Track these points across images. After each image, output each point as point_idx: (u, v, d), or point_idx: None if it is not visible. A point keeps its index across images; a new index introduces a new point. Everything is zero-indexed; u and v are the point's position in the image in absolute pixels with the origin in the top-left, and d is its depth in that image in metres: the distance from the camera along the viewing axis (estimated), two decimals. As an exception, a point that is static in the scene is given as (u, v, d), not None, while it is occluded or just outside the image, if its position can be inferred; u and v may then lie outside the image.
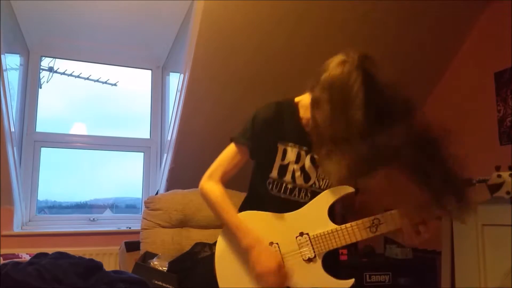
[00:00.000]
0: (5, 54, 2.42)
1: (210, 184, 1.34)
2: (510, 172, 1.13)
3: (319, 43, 2.44)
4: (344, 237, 1.23)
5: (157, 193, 2.91)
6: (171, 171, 2.89)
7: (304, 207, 1.29)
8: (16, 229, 2.79)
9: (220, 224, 2.52)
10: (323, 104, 1.14)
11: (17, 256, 2.40)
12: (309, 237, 1.25)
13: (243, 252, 1.27)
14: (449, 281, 2.51)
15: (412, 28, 2.55)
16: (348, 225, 1.23)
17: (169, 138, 2.97)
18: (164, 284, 1.94)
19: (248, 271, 1.25)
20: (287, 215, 1.29)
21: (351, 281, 1.23)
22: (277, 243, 1.27)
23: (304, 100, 1.34)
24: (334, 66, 1.16)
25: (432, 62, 2.80)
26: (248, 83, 2.57)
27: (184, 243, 2.38)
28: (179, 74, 2.83)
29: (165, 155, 3.11)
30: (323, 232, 1.25)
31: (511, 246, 2.09)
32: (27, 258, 2.09)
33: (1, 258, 2.34)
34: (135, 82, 3.47)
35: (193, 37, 2.33)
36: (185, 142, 2.74)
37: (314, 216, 1.27)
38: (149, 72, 3.45)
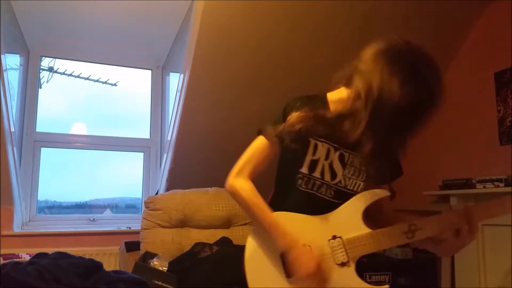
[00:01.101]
0: (5, 54, 2.42)
1: (240, 181, 1.27)
2: None
3: (319, 43, 2.45)
4: (379, 242, 1.19)
5: (157, 193, 2.91)
6: (171, 171, 2.89)
7: (338, 209, 1.24)
8: (16, 229, 2.79)
9: (219, 224, 2.52)
10: (365, 107, 1.13)
11: (17, 256, 2.40)
12: (342, 241, 1.21)
13: (274, 253, 1.22)
14: (449, 281, 2.52)
15: (412, 28, 2.55)
16: (383, 230, 1.20)
17: (169, 138, 2.97)
18: (164, 284, 1.94)
19: (280, 272, 1.21)
20: (320, 217, 1.24)
21: (386, 287, 1.22)
22: (309, 246, 1.21)
23: (334, 95, 1.31)
24: (373, 65, 1.17)
25: (432, 62, 2.80)
26: (248, 83, 2.57)
27: (184, 243, 2.37)
28: (179, 74, 2.83)
29: (165, 155, 3.11)
30: (357, 236, 1.21)
31: (511, 246, 2.09)
32: (27, 258, 2.09)
33: (1, 258, 2.34)
34: (135, 82, 3.47)
35: (193, 37, 2.33)
36: (185, 142, 2.74)
37: (347, 219, 1.23)
38: (149, 72, 3.45)
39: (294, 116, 1.26)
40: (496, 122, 2.45)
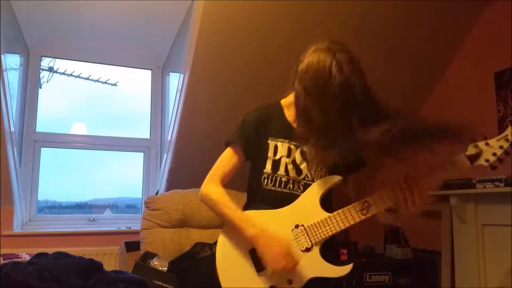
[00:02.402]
0: (5, 54, 2.42)
1: (210, 186, 1.39)
2: (485, 142, 1.20)
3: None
4: (337, 223, 1.28)
5: (157, 193, 2.91)
6: (171, 171, 2.89)
7: (297, 200, 1.34)
8: (16, 229, 2.79)
9: (220, 224, 2.52)
10: (303, 93, 1.21)
11: (17, 256, 2.40)
12: (305, 228, 1.30)
13: (244, 250, 1.30)
14: (449, 281, 2.52)
15: (412, 28, 2.55)
16: (340, 211, 1.29)
17: (169, 138, 2.97)
18: (164, 284, 1.94)
19: (250, 268, 1.28)
20: (281, 210, 1.33)
21: (350, 266, 1.27)
22: None
23: (287, 99, 1.43)
24: (308, 56, 1.24)
25: (432, 62, 2.80)
26: (248, 83, 2.57)
27: (184, 243, 2.38)
28: (179, 74, 2.83)
29: (165, 155, 3.11)
30: (317, 222, 1.29)
31: (511, 246, 2.09)
32: (27, 258, 2.09)
33: (1, 258, 2.34)
34: (135, 82, 3.47)
35: (193, 37, 2.33)
36: (185, 142, 2.74)
37: (307, 208, 1.32)
38: (149, 72, 3.45)
39: (251, 123, 1.40)
40: (496, 122, 2.45)
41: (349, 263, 1.27)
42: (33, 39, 3.00)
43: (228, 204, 1.34)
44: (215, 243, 2.37)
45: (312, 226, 1.29)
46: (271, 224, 1.29)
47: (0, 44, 2.27)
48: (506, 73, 2.42)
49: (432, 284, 2.65)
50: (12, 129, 2.64)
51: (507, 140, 1.18)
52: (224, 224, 1.38)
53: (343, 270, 1.26)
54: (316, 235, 1.28)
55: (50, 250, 1.73)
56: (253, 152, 1.40)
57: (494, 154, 1.19)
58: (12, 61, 2.74)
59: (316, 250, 1.28)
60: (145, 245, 2.36)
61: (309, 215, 1.30)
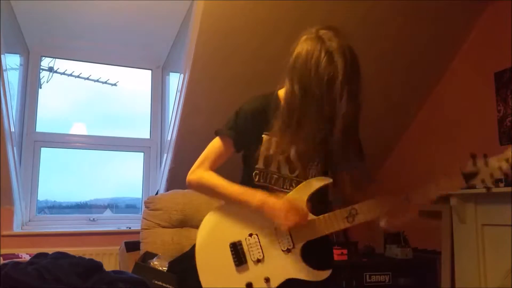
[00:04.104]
0: (5, 54, 2.42)
1: (199, 171, 1.34)
2: (485, 160, 1.10)
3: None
4: (322, 227, 1.23)
5: (157, 193, 2.91)
6: (171, 171, 2.89)
7: (283, 199, 1.28)
8: (16, 229, 2.79)
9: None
10: (292, 83, 1.18)
11: (17, 256, 2.40)
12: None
13: (226, 243, 1.28)
14: (449, 281, 2.52)
15: (412, 28, 2.55)
16: (326, 215, 1.24)
17: (169, 138, 2.97)
18: (164, 284, 1.94)
19: (230, 262, 1.27)
20: None
21: (328, 272, 1.23)
22: (256, 234, 1.27)
23: (283, 91, 1.35)
24: (297, 46, 1.20)
25: (432, 62, 2.80)
26: (248, 83, 2.57)
27: (184, 243, 2.38)
28: (179, 74, 2.83)
29: (165, 155, 3.11)
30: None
31: (511, 246, 2.09)
32: (27, 258, 2.09)
33: (1, 258, 2.34)
34: (135, 82, 3.47)
35: (193, 37, 2.33)
36: (185, 142, 2.74)
37: None
38: (149, 72, 3.45)
39: (245, 115, 1.33)
40: (496, 122, 2.45)
41: (330, 268, 1.23)
42: (33, 39, 3.00)
43: (224, 182, 1.30)
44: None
45: (295, 227, 1.24)
46: (255, 220, 1.26)
47: (0, 44, 2.27)
48: (506, 73, 2.42)
49: (432, 284, 2.65)
50: (12, 129, 2.64)
51: (507, 161, 1.08)
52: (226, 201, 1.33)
53: (321, 275, 1.23)
54: (298, 236, 1.24)
55: (50, 250, 1.73)
56: (245, 146, 1.35)
57: (491, 176, 1.10)
58: (12, 61, 2.74)
59: (297, 251, 1.24)
60: (145, 245, 2.36)
61: None
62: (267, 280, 1.24)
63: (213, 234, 1.32)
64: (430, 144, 2.67)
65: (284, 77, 1.25)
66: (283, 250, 1.25)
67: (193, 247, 2.25)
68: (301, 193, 1.27)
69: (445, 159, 2.74)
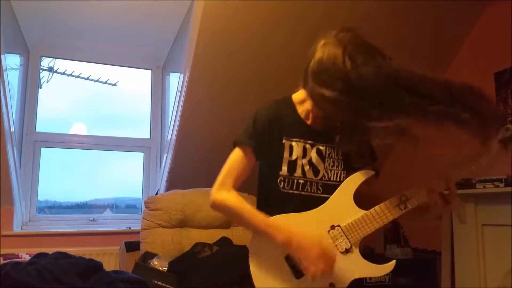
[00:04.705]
0: (5, 54, 2.42)
1: (223, 193, 1.27)
2: None
3: (319, 43, 2.44)
4: (376, 220, 1.21)
5: (157, 193, 2.91)
6: (171, 171, 2.89)
7: (329, 199, 1.27)
8: (16, 229, 2.79)
9: (219, 224, 2.52)
10: (319, 89, 1.13)
11: (17, 256, 2.40)
12: (341, 228, 1.23)
13: (279, 257, 1.22)
14: (449, 281, 2.51)
15: (412, 28, 2.55)
16: (376, 207, 1.22)
17: (169, 138, 2.97)
18: (164, 284, 1.94)
19: (288, 275, 1.21)
20: (314, 212, 1.26)
21: (392, 263, 1.21)
22: None
23: (298, 95, 1.35)
24: (317, 51, 1.16)
25: (432, 62, 2.80)
26: (248, 83, 2.57)
27: (184, 243, 2.37)
28: (179, 74, 2.83)
29: (165, 155, 3.10)
30: (354, 220, 1.23)
31: (511, 246, 2.09)
32: (27, 258, 2.09)
33: (1, 258, 2.34)
34: (135, 82, 3.47)
35: (193, 37, 2.33)
36: (185, 142, 2.74)
37: (341, 207, 1.26)
38: (149, 72, 3.45)
39: (263, 122, 1.30)
40: (496, 122, 2.45)
41: (390, 261, 1.21)
42: (33, 39, 3.00)
43: (250, 210, 1.24)
44: (215, 243, 2.39)
45: (349, 225, 1.23)
46: (304, 227, 1.21)
47: (0, 44, 2.27)
48: (506, 73, 2.42)
49: (432, 284, 2.65)
50: (12, 129, 2.63)
51: None
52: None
53: (386, 268, 1.21)
54: (354, 234, 1.22)
55: (50, 250, 1.72)
56: (266, 153, 1.31)
57: None
58: (12, 61, 2.74)
59: (356, 250, 1.22)
60: (145, 245, 2.36)
61: (344, 215, 1.24)
62: (332, 285, 1.20)
63: (265, 250, 1.24)
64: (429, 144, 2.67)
65: (301, 83, 1.24)
66: (341, 252, 1.22)
67: (193, 247, 2.25)
68: (347, 191, 1.26)
69: (445, 159, 2.74)
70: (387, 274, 2.55)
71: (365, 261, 1.21)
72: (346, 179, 1.28)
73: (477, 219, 2.30)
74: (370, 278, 2.52)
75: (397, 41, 2.59)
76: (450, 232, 2.50)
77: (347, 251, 1.22)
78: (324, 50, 1.15)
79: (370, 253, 2.83)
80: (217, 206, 1.29)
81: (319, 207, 1.26)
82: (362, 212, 1.23)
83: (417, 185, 1.21)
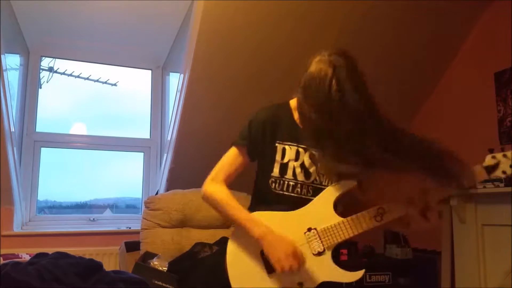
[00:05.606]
0: (5, 54, 2.42)
1: (214, 185, 1.37)
2: (503, 153, 1.19)
3: (319, 44, 2.44)
4: (351, 228, 1.27)
5: (157, 193, 2.91)
6: (171, 171, 2.89)
7: (310, 203, 1.33)
8: (16, 229, 2.79)
9: (219, 224, 2.52)
10: (304, 102, 1.21)
11: (17, 256, 2.40)
12: (317, 231, 1.29)
13: (255, 251, 1.29)
14: (449, 281, 2.51)
15: (412, 28, 2.55)
16: (353, 216, 1.28)
17: (169, 138, 2.97)
18: (164, 284, 1.94)
19: (261, 269, 1.28)
20: (294, 213, 1.32)
21: (361, 272, 1.26)
22: None
23: (295, 101, 1.40)
24: (311, 66, 1.22)
25: (432, 62, 2.80)
26: (247, 83, 2.57)
27: (184, 243, 2.38)
28: (179, 74, 2.83)
29: (165, 155, 3.10)
30: (330, 226, 1.28)
31: (511, 246, 2.09)
32: (27, 258, 2.09)
33: (1, 258, 2.34)
34: (135, 82, 3.47)
35: (193, 37, 2.33)
36: (185, 142, 2.74)
37: (320, 211, 1.31)
38: (149, 72, 3.45)
39: (258, 124, 1.38)
40: (496, 122, 2.45)
41: (361, 269, 1.26)
42: (33, 39, 3.00)
43: (234, 204, 1.33)
44: (215, 243, 2.38)
45: (325, 230, 1.28)
46: (282, 226, 1.28)
47: (0, 44, 2.27)
48: (506, 73, 2.42)
49: (432, 284, 2.65)
50: (12, 129, 2.64)
51: None
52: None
53: (354, 276, 1.26)
54: (328, 239, 1.27)
55: (50, 250, 1.72)
56: (259, 155, 1.39)
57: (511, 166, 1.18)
58: (12, 61, 2.74)
59: (328, 254, 1.27)
60: (145, 245, 2.36)
61: (322, 219, 1.30)
62: (300, 285, 1.25)
63: (243, 243, 1.33)
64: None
65: (296, 90, 1.29)
66: (314, 254, 1.27)
67: (193, 247, 2.26)
68: (328, 197, 1.31)
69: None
70: (386, 274, 2.57)
71: (335, 266, 1.27)
72: (329, 186, 1.33)
73: (477, 219, 2.30)
74: (370, 278, 2.52)
75: (397, 41, 2.60)
76: (450, 232, 2.50)
77: (319, 253, 1.27)
78: (316, 66, 1.21)
79: (370, 252, 2.84)
80: (206, 197, 1.38)
81: (301, 209, 1.32)
82: (339, 219, 1.29)
83: (396, 200, 1.26)
